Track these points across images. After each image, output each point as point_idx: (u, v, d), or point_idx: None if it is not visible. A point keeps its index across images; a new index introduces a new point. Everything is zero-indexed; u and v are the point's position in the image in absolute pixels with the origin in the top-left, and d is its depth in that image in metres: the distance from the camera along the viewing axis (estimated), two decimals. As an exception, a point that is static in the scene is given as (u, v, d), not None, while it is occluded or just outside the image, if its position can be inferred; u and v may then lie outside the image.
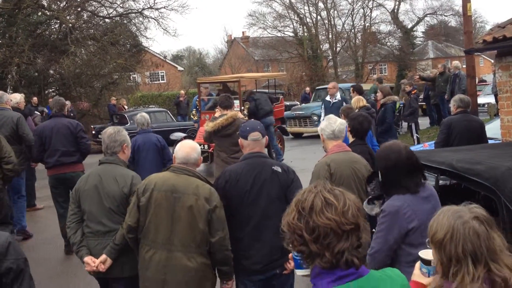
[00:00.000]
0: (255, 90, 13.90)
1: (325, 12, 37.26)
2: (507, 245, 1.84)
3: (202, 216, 3.24)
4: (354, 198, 1.73)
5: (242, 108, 11.05)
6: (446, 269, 1.82)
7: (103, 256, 3.58)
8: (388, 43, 39.23)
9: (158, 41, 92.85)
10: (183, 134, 13.32)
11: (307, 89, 26.86)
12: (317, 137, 5.21)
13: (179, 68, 44.35)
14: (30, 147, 7.02)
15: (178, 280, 3.26)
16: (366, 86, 18.29)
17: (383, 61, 41.68)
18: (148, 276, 3.33)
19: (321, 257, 1.65)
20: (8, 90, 18.40)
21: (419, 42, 44.40)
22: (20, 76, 20.21)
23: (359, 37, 38.60)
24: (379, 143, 6.90)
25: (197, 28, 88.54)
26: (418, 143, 11.51)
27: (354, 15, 37.84)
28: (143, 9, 24.00)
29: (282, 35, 37.14)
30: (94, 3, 23.36)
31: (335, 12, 37.58)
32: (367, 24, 38.40)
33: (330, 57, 38.20)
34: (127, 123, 16.36)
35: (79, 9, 23.26)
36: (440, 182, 4.29)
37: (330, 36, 37.71)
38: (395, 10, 37.70)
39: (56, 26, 22.89)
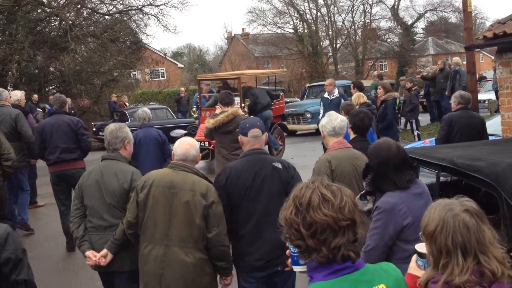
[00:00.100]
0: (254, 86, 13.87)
1: (325, 8, 37.30)
2: (497, 238, 1.86)
3: (198, 212, 3.27)
4: (351, 193, 1.75)
5: (243, 105, 11.04)
6: (437, 261, 1.85)
7: (104, 251, 3.65)
8: (388, 40, 39.26)
9: (158, 38, 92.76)
10: (183, 132, 13.34)
11: (307, 85, 26.82)
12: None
13: (179, 65, 44.29)
14: (29, 144, 7.01)
15: (175, 275, 3.29)
16: (366, 83, 18.30)
17: (383, 57, 41.67)
18: (147, 271, 3.37)
19: (318, 252, 1.68)
20: (8, 88, 18.38)
21: (419, 39, 44.46)
22: (20, 74, 20.21)
23: (359, 34, 38.61)
24: (379, 140, 6.88)
25: (197, 25, 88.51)
26: (419, 139, 11.52)
27: (354, 12, 37.91)
28: (143, 6, 24.04)
29: (282, 31, 37.17)
30: (94, 0, 23.36)
31: (335, 8, 37.63)
32: (367, 21, 38.44)
33: (330, 54, 38.18)
34: (128, 120, 16.34)
35: (79, 6, 23.24)
36: (441, 178, 4.30)
37: (330, 32, 37.71)
38: (395, 7, 37.76)
39: (56, 23, 22.92)
